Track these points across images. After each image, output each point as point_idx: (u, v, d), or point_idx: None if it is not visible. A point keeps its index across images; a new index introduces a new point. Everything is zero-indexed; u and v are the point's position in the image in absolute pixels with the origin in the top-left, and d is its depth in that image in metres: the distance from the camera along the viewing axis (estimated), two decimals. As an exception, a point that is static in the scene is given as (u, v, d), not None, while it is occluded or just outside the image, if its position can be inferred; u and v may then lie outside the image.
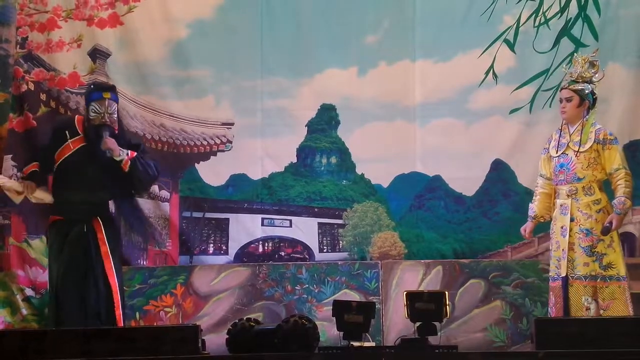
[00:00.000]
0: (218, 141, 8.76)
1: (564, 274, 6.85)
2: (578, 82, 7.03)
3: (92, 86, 7.10)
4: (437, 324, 6.25)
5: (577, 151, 6.92)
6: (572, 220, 6.86)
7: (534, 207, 7.18)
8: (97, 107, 6.88)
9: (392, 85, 8.64)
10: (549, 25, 8.49)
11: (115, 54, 8.75)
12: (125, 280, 8.23)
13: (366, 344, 6.28)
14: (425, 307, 6.26)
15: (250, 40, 8.73)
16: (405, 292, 6.41)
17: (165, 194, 8.76)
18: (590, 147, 6.93)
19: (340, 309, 6.21)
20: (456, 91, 8.58)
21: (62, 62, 8.69)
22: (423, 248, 8.52)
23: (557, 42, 8.46)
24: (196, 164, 8.80)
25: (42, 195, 7.17)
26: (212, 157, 8.79)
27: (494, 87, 8.49)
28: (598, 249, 6.80)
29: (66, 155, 6.90)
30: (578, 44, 8.44)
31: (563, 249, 6.87)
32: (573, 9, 8.47)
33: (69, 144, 6.88)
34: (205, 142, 8.75)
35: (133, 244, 8.66)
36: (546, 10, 8.49)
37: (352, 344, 6.13)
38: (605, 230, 6.79)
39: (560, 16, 8.48)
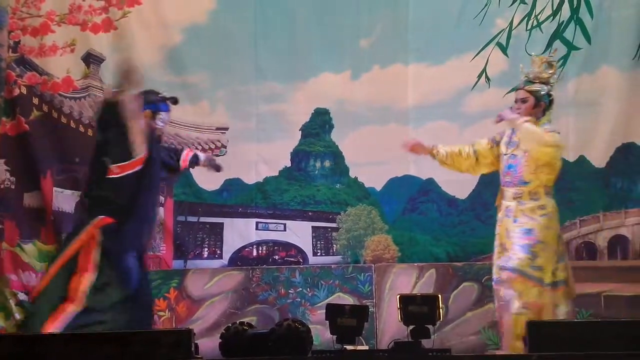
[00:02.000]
0: (212, 146, 8.77)
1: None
2: (534, 83, 6.85)
3: (159, 95, 6.89)
4: (430, 327, 6.25)
5: (525, 151, 6.74)
6: (515, 222, 6.70)
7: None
8: (166, 118, 6.86)
9: (386, 88, 8.65)
10: (541, 29, 8.51)
11: (109, 58, 8.76)
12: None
13: (359, 348, 6.29)
14: (419, 310, 6.26)
15: (244, 45, 8.75)
16: (398, 296, 6.41)
17: (159, 198, 8.77)
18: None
19: (334, 312, 6.21)
20: (449, 94, 8.59)
21: (55, 67, 8.71)
22: (416, 251, 8.53)
23: (549, 45, 8.46)
24: (191, 169, 8.79)
25: None
26: (207, 161, 8.80)
27: (486, 90, 8.50)
28: (536, 248, 6.60)
29: (135, 169, 6.68)
30: (570, 47, 8.46)
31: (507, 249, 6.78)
32: (565, 12, 8.48)
33: (139, 159, 6.68)
34: (199, 147, 8.76)
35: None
36: (538, 14, 8.51)
37: (345, 348, 6.13)
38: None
39: (552, 19, 8.50)
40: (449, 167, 7.07)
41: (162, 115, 6.82)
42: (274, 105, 8.77)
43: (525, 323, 5.92)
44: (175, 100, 6.90)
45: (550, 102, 6.85)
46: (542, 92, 6.79)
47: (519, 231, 6.65)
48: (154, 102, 6.80)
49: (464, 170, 7.07)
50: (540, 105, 6.79)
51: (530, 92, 6.79)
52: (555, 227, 6.74)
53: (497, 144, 6.97)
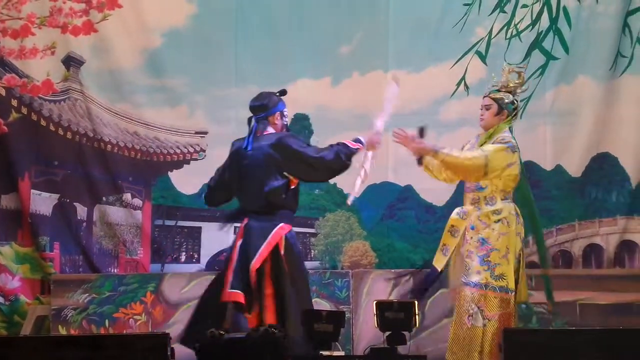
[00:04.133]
0: (192, 150, 8.78)
1: (438, 268, 6.72)
2: (500, 91, 6.72)
3: (274, 94, 6.74)
4: (406, 333, 6.26)
5: None
6: (472, 228, 6.60)
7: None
8: (286, 112, 6.75)
9: (365, 95, 8.64)
10: (520, 38, 8.55)
11: (89, 61, 8.76)
12: (95, 287, 8.27)
13: (336, 354, 6.29)
14: (395, 317, 6.27)
15: (224, 50, 8.76)
16: (375, 302, 6.41)
17: (137, 202, 8.77)
18: (492, 145, 6.59)
19: (310, 318, 6.22)
20: (428, 102, 8.62)
21: (35, 69, 8.69)
22: (394, 257, 8.55)
23: (528, 54, 8.52)
24: (169, 172, 8.81)
25: None
26: (185, 165, 8.81)
27: (465, 98, 8.52)
28: (491, 258, 6.50)
29: None
30: (549, 56, 8.51)
31: (445, 244, 6.72)
32: (544, 21, 8.53)
33: None
34: (178, 151, 8.76)
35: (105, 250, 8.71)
36: (518, 23, 8.55)
37: (321, 353, 6.14)
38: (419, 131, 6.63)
39: (531, 29, 8.54)
40: (430, 172, 7.00)
41: (285, 111, 6.75)
42: (254, 110, 8.77)
43: (501, 333, 5.94)
44: (284, 92, 6.80)
45: (514, 110, 6.74)
46: (506, 101, 6.69)
47: (475, 240, 6.58)
48: (277, 103, 6.72)
49: (442, 178, 7.00)
50: (502, 113, 6.68)
51: (494, 99, 6.70)
52: (513, 231, 6.59)
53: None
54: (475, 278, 6.51)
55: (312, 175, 6.66)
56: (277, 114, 6.67)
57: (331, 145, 6.59)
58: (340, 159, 6.54)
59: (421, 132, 6.66)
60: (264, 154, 6.53)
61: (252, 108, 6.71)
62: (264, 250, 6.45)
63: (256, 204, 6.55)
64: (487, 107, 6.72)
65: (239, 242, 6.56)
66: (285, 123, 6.73)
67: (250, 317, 6.45)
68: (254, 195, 6.54)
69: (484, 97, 6.79)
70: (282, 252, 6.46)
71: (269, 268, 6.46)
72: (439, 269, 6.76)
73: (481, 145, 6.67)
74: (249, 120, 6.70)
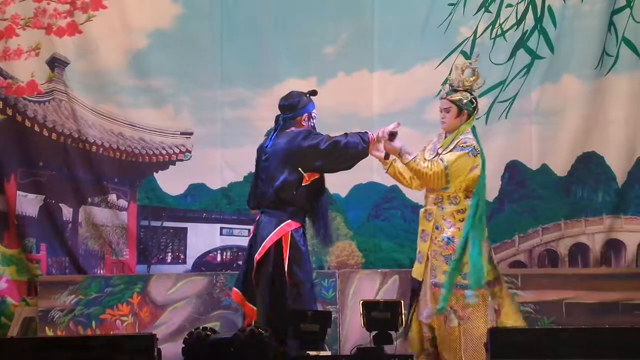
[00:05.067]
0: (177, 150, 8.76)
1: (419, 279, 6.71)
2: (458, 91, 6.69)
3: (304, 95, 6.80)
4: (393, 333, 6.27)
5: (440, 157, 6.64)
6: (437, 228, 6.64)
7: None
8: (315, 114, 6.82)
9: (351, 95, 8.67)
10: (505, 37, 8.56)
11: (74, 62, 8.73)
12: (82, 288, 8.26)
13: (322, 353, 6.29)
14: (381, 316, 6.28)
15: (210, 51, 8.74)
16: (361, 301, 6.42)
17: (123, 202, 8.75)
18: (452, 153, 6.60)
19: (297, 317, 6.22)
20: (414, 102, 8.62)
21: (19, 71, 8.66)
22: (380, 257, 8.56)
23: (513, 53, 8.54)
24: (155, 173, 8.79)
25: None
26: (171, 166, 8.79)
27: (450, 98, 8.54)
28: (457, 257, 6.52)
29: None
30: (534, 55, 8.53)
31: (420, 252, 6.73)
32: (529, 21, 8.55)
33: None
34: (164, 152, 8.75)
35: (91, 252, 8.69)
36: (503, 22, 8.56)
37: (308, 353, 6.14)
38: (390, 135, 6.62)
39: (516, 28, 8.56)
40: (400, 180, 6.95)
41: (314, 113, 6.82)
42: (240, 111, 8.77)
43: (488, 330, 5.95)
44: (314, 92, 6.86)
45: (474, 109, 6.72)
46: (464, 101, 6.66)
47: (440, 239, 6.62)
48: (306, 105, 6.79)
49: (414, 187, 6.93)
50: (463, 114, 6.67)
51: (452, 101, 6.67)
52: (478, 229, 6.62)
53: (424, 151, 6.88)
54: (443, 279, 6.54)
55: (330, 163, 6.66)
56: (306, 115, 6.76)
57: (345, 134, 6.68)
58: (354, 140, 6.61)
59: (392, 136, 6.65)
60: (280, 150, 6.62)
61: (281, 107, 6.80)
62: (267, 243, 6.53)
63: (267, 198, 6.65)
64: (446, 110, 6.71)
65: (250, 238, 6.75)
66: (313, 125, 6.78)
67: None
68: (266, 191, 6.65)
69: (442, 99, 6.78)
70: (287, 248, 6.52)
71: (271, 261, 6.52)
72: (419, 279, 6.76)
73: (444, 147, 6.69)
74: (277, 118, 6.81)
